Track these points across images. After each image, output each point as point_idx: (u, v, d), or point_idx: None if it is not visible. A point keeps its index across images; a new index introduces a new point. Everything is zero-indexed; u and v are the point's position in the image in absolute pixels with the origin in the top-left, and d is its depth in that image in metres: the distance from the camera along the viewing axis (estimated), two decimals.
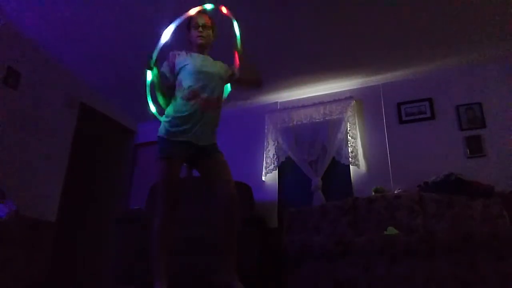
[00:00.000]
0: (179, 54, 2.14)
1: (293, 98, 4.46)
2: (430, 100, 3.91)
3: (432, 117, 3.85)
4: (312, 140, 4.14)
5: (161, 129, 2.01)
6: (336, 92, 4.31)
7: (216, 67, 2.15)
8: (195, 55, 2.15)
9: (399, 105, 4.01)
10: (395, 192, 3.49)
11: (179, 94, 2.03)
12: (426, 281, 2.51)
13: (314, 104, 4.28)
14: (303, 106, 4.32)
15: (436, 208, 3.11)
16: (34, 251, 3.17)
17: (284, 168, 4.24)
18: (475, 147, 3.59)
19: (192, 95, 1.98)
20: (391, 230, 2.96)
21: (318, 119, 4.22)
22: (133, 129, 5.14)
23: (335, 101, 4.21)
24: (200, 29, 2.14)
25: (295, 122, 4.32)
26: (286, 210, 3.68)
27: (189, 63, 2.07)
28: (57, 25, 3.42)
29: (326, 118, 4.18)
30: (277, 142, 4.28)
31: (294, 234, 3.35)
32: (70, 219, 4.03)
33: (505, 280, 2.38)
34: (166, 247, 1.90)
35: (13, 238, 2.96)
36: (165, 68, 2.12)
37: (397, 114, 4.00)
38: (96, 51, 3.77)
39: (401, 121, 3.96)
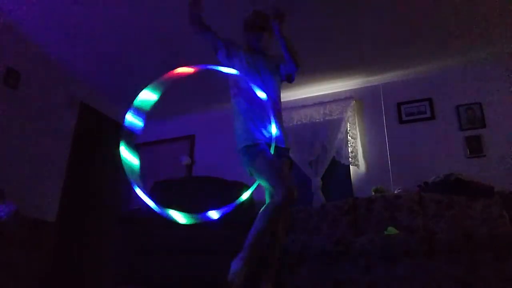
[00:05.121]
0: (241, 50, 2.10)
1: (293, 98, 4.46)
2: (430, 100, 3.91)
3: (432, 117, 3.85)
4: (312, 140, 4.15)
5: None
6: (336, 92, 4.31)
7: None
8: (255, 56, 2.10)
9: (399, 105, 4.01)
10: (395, 192, 3.49)
11: None
12: (426, 281, 2.51)
13: (314, 104, 4.28)
14: (303, 106, 4.32)
15: (436, 208, 3.10)
16: (34, 251, 3.17)
17: None
18: (475, 147, 3.59)
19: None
20: (391, 230, 2.95)
21: (318, 119, 4.22)
22: None
23: (335, 101, 4.21)
24: (256, 32, 2.07)
25: (295, 122, 4.32)
26: None
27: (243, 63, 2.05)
28: (57, 25, 3.42)
29: (326, 118, 4.18)
30: None
31: (294, 234, 3.35)
32: (70, 219, 4.03)
33: (505, 280, 2.37)
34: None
35: (13, 238, 2.96)
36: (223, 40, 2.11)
37: (397, 114, 4.00)
38: (96, 51, 3.77)
39: (401, 121, 3.96)
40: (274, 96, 2.03)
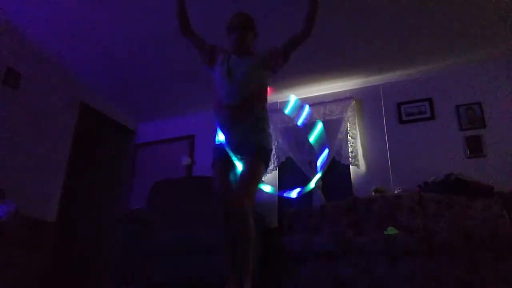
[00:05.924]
0: (221, 55, 2.08)
1: None
2: (430, 100, 3.91)
3: (432, 117, 3.85)
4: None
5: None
6: (336, 92, 4.31)
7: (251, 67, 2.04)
8: (233, 58, 2.07)
9: (399, 105, 4.01)
10: (395, 192, 3.49)
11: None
12: (426, 281, 2.52)
13: (314, 104, 4.28)
14: None
15: (436, 208, 3.10)
16: (34, 251, 3.17)
17: (284, 168, 4.24)
18: (475, 147, 3.58)
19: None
20: (391, 230, 2.96)
21: (318, 119, 4.22)
22: (133, 129, 5.14)
23: (335, 101, 4.21)
24: (237, 32, 2.03)
25: (295, 122, 4.32)
26: (286, 210, 3.68)
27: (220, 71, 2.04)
28: (57, 25, 3.42)
29: (326, 118, 4.18)
30: (277, 142, 4.28)
31: (294, 234, 3.35)
32: (70, 219, 4.03)
33: (505, 280, 2.38)
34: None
35: (13, 238, 2.97)
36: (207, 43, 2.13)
37: (397, 114, 4.00)
38: (96, 51, 3.77)
39: (401, 121, 3.96)
40: (247, 99, 1.97)
